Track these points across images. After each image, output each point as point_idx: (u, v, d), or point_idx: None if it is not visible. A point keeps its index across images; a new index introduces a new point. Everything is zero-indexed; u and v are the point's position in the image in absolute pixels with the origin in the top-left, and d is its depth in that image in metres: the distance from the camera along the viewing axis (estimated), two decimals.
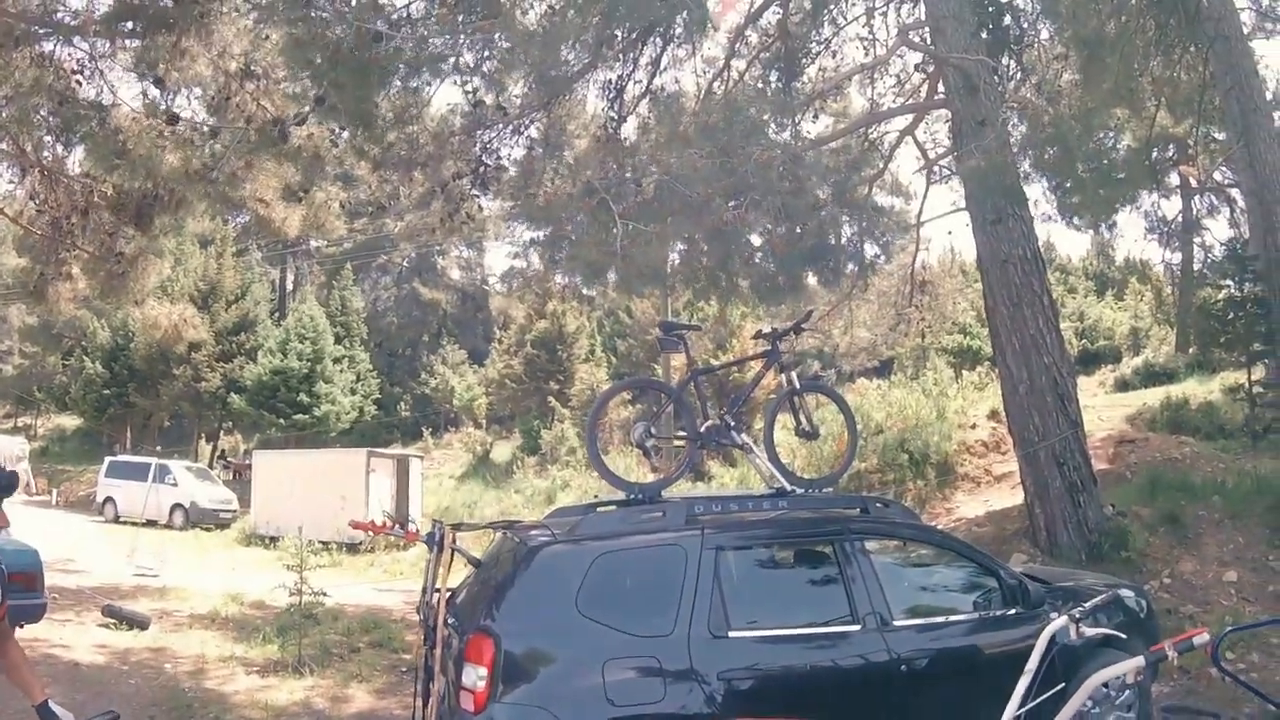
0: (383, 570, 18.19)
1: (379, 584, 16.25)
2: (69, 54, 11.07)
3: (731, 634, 4.52)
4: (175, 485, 25.58)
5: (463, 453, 32.42)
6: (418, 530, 5.33)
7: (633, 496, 5.20)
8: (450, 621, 4.79)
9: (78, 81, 10.89)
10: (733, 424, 5.66)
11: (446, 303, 46.61)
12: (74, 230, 14.05)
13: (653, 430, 5.62)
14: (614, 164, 10.24)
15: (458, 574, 5.29)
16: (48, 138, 13.08)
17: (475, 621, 4.41)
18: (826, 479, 6.21)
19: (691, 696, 4.32)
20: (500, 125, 10.53)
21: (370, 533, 6.35)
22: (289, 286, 52.06)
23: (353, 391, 35.16)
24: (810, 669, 4.65)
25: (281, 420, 32.43)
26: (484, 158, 10.68)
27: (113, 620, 10.88)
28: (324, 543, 16.82)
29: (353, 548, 19.64)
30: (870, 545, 5.11)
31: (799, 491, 5.45)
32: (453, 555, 4.87)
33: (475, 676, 4.20)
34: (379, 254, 42.69)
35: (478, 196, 11.27)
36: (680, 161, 8.94)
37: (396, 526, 5.67)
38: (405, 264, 48.28)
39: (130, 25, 10.54)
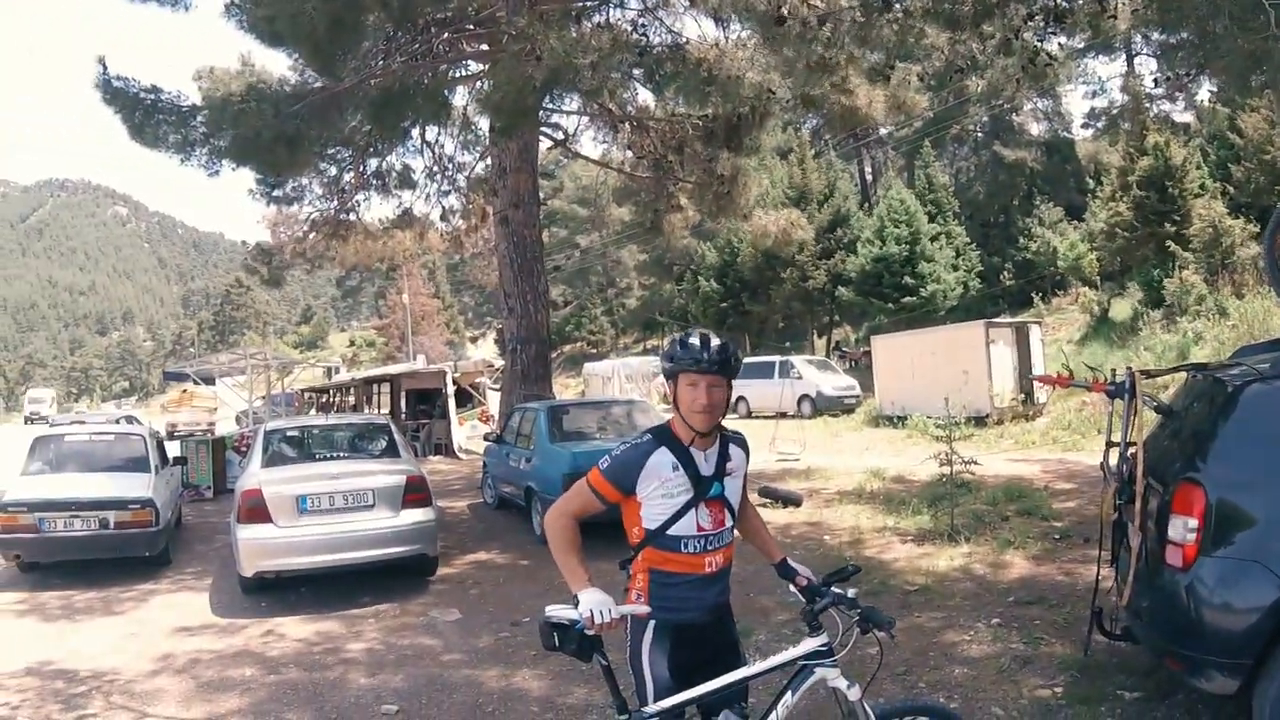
0: (1013, 441, 17.80)
1: (1011, 454, 15.97)
2: (621, 16, 12.33)
3: None
4: (800, 378, 27.51)
5: (1078, 314, 30.10)
6: (1103, 379, 4.98)
7: None
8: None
9: (642, 33, 12.02)
10: None
11: (1032, 160, 43.39)
12: (673, 166, 15.80)
13: None
14: None
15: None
16: (626, 95, 14.80)
17: (1180, 471, 4.04)
18: None
19: None
20: None
21: (1055, 386, 6.15)
22: (868, 178, 52.90)
23: (954, 268, 34.63)
24: None
25: (889, 305, 33.10)
26: None
27: (768, 499, 12.01)
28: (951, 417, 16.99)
29: (980, 421, 19.41)
30: None
31: None
32: (1141, 405, 4.50)
33: (1184, 529, 3.85)
34: (950, 125, 41.25)
35: (1054, 34, 10.30)
36: None
37: (1090, 380, 5.34)
38: (980, 131, 46.04)
39: None
